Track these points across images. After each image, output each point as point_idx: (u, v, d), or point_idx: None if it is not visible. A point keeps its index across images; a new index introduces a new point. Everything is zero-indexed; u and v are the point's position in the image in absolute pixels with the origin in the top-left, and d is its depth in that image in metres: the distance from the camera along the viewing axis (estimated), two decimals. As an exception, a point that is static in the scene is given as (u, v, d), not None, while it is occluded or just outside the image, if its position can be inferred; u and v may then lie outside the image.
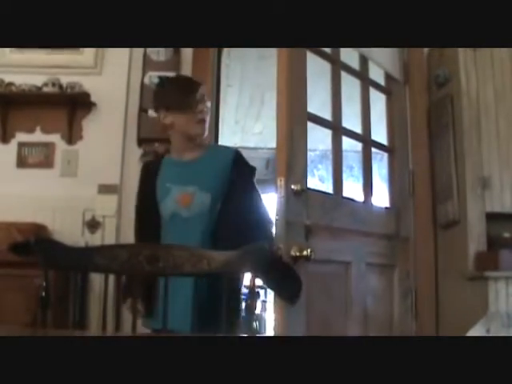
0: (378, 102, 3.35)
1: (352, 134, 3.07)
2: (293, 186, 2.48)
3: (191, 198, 2.28)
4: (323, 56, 2.91)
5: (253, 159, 2.96)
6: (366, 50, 3.12)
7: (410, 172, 3.34)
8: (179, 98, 2.37)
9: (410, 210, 3.30)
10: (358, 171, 3.17)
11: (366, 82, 3.20)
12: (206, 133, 2.44)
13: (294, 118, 2.65)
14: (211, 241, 2.25)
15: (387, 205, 3.26)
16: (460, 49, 3.05)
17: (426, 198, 3.30)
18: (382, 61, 3.31)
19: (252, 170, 2.44)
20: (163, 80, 2.70)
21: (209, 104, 2.43)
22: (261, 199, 2.39)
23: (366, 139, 3.16)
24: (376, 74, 3.32)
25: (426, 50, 3.48)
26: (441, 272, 3.20)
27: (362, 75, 3.18)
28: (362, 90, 3.19)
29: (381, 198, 3.28)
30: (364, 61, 3.17)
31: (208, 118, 2.43)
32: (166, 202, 2.30)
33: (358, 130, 3.12)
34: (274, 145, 2.83)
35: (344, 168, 2.95)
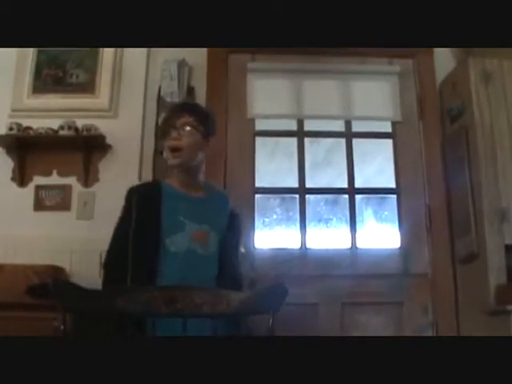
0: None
1: (330, 190, 3.54)
2: None
3: (207, 237, 2.23)
4: (290, 134, 3.53)
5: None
6: (357, 115, 3.59)
7: (426, 207, 3.34)
8: (162, 125, 2.34)
9: (427, 246, 3.31)
10: (336, 222, 3.48)
11: (349, 140, 3.53)
12: (187, 163, 2.27)
13: (240, 190, 3.24)
14: (216, 281, 2.22)
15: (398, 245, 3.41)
16: (472, 81, 3.06)
17: (443, 233, 3.29)
18: (377, 113, 3.59)
19: (240, 218, 2.48)
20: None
21: (189, 130, 2.25)
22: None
23: (350, 191, 3.46)
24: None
25: (438, 83, 3.50)
26: (461, 307, 3.16)
27: (346, 134, 3.56)
28: (346, 147, 3.52)
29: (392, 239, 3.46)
30: (348, 122, 3.56)
31: (189, 146, 2.24)
32: (178, 237, 2.19)
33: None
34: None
35: (316, 222, 3.46)
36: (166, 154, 2.30)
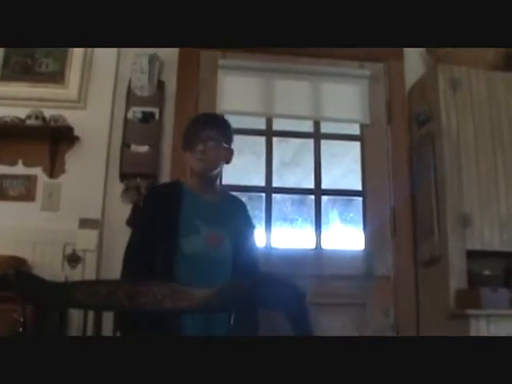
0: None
1: (297, 190, 3.62)
2: None
3: (220, 241, 2.33)
4: (259, 133, 3.51)
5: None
6: (326, 116, 3.62)
7: (391, 210, 3.38)
8: (187, 137, 2.42)
9: (391, 248, 3.34)
10: (301, 222, 3.58)
11: (318, 141, 3.54)
12: (209, 172, 2.42)
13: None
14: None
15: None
16: (440, 88, 3.10)
17: (407, 236, 3.33)
18: (346, 115, 3.63)
19: (254, 225, 2.58)
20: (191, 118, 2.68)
21: (212, 144, 2.37)
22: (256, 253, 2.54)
23: (316, 192, 3.47)
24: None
25: (407, 88, 3.53)
26: (422, 310, 3.20)
27: (315, 135, 3.56)
28: (314, 148, 3.54)
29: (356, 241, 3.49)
30: (317, 123, 3.57)
31: (212, 158, 2.39)
32: (193, 239, 2.28)
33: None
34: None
35: (282, 221, 3.53)
36: (191, 161, 2.40)
